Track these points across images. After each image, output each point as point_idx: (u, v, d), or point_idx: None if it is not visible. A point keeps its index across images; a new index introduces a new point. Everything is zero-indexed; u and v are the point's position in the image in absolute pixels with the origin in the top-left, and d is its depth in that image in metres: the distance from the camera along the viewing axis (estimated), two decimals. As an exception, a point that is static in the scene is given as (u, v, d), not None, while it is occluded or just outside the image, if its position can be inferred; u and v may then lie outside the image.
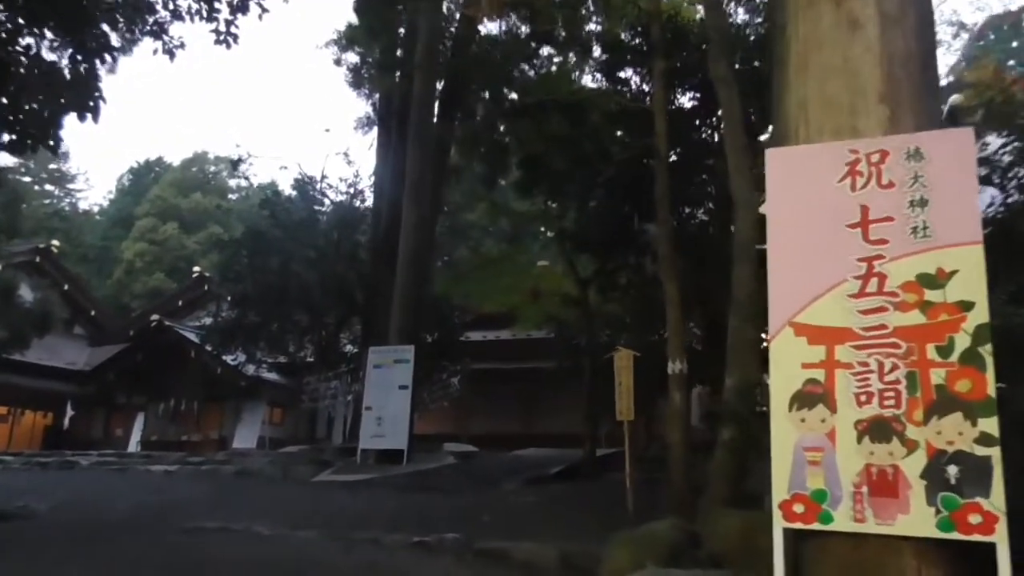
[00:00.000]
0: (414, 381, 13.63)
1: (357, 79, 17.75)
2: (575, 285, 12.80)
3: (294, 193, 18.61)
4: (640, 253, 11.98)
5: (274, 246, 17.42)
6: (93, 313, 34.17)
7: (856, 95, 3.66)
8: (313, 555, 5.05)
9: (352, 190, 18.63)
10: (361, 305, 17.63)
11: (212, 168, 56.37)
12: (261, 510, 7.39)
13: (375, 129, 18.27)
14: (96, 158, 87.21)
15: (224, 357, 19.60)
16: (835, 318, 3.37)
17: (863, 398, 3.24)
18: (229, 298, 18.49)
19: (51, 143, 6.68)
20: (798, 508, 3.25)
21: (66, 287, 32.61)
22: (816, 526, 3.21)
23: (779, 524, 3.27)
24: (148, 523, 6.69)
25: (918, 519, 3.03)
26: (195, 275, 33.36)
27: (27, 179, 55.17)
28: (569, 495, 9.20)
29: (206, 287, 32.31)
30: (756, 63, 10.30)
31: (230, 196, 55.53)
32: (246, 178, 57.04)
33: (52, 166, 56.31)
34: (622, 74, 12.09)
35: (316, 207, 18.38)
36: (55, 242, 33.05)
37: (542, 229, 14.77)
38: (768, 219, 3.70)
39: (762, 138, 9.05)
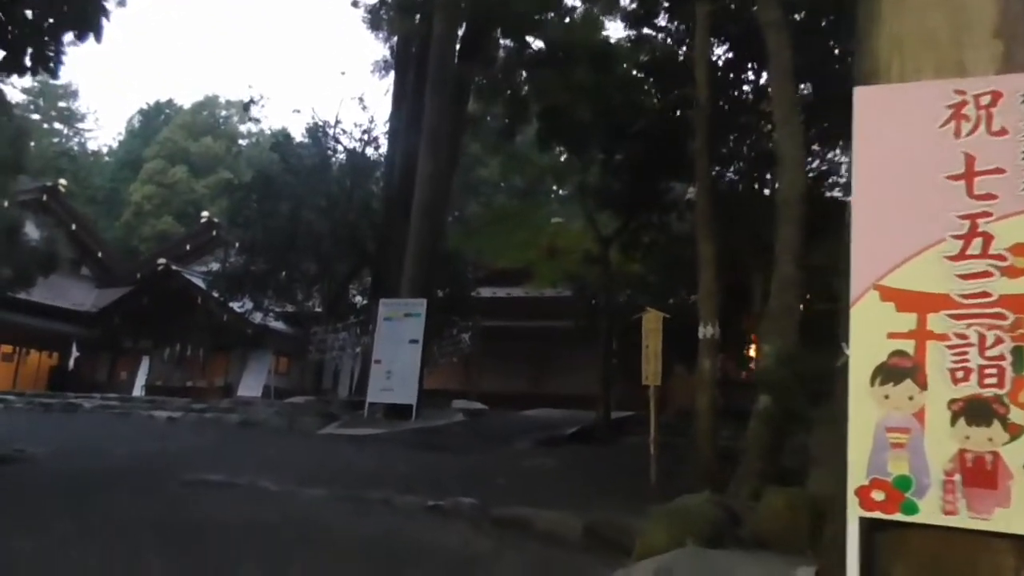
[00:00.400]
0: (425, 336, 13.30)
1: (375, 20, 17.04)
2: (596, 243, 12.34)
3: (306, 139, 18.04)
4: (666, 211, 11.52)
5: (285, 192, 16.96)
6: (100, 255, 33.93)
7: (963, 29, 3.18)
8: (324, 518, 4.73)
9: (367, 137, 18.11)
10: (372, 256, 17.23)
11: (223, 112, 55.62)
12: (266, 463, 7.09)
13: (392, 75, 17.66)
14: (106, 98, 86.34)
15: (231, 304, 19.30)
16: (929, 283, 2.93)
17: (959, 374, 2.82)
18: (237, 244, 18.09)
19: (51, 64, 6.20)
20: (877, 496, 2.85)
21: (73, 227, 32.32)
22: (898, 516, 2.82)
23: (855, 513, 2.88)
24: (147, 473, 6.41)
25: (1020, 513, 2.64)
26: (203, 220, 33.02)
27: (36, 116, 54.58)
28: (585, 459, 8.89)
29: (214, 232, 31.95)
30: (799, 14, 9.69)
31: (240, 141, 54.88)
32: (257, 121, 56.38)
33: (61, 104, 55.71)
34: (655, 22, 11.45)
35: (329, 154, 17.84)
36: (62, 181, 32.66)
37: (561, 184, 14.22)
38: (854, 168, 3.24)
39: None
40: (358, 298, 19.01)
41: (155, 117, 55.97)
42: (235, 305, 19.62)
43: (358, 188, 17.74)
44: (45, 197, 30.60)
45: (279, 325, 24.97)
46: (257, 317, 20.35)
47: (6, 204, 23.93)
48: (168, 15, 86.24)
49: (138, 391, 26.75)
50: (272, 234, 17.04)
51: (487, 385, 17.75)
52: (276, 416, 13.92)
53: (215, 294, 24.49)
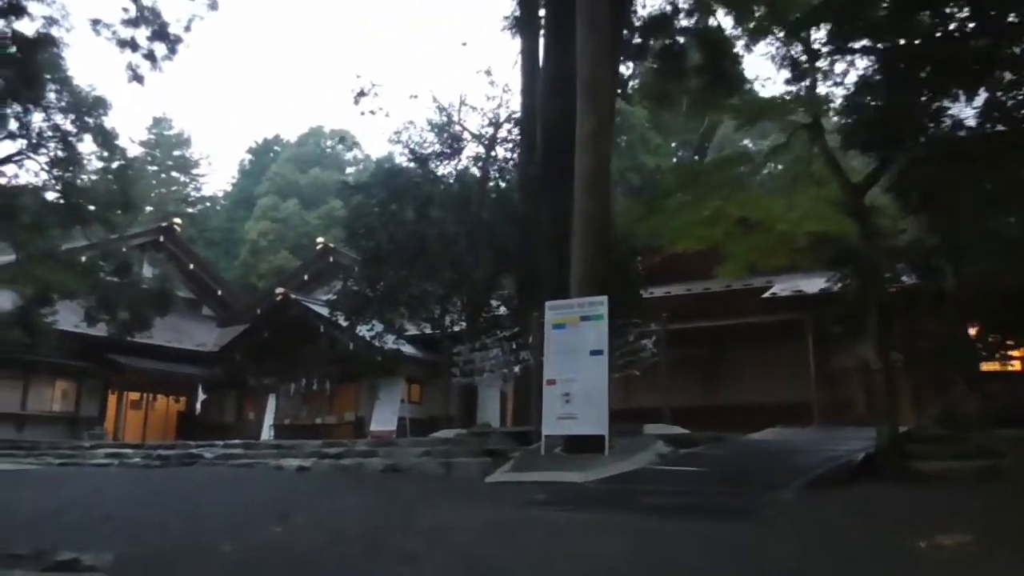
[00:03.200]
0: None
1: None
2: (846, 192, 8.90)
3: (428, 129, 15.32)
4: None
5: (409, 189, 14.35)
6: (220, 293, 32.84)
7: None
8: None
9: (497, 117, 15.26)
10: (514, 256, 14.36)
11: (328, 142, 55.06)
12: (442, 561, 4.16)
13: (519, 41, 14.82)
14: (218, 142, 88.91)
15: (357, 330, 16.84)
16: None
17: None
18: (360, 259, 15.60)
19: None
20: None
21: (191, 267, 31.31)
22: None
23: None
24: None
25: None
26: (319, 247, 31.31)
27: (153, 167, 55.67)
28: (948, 521, 5.45)
29: (331, 259, 30.19)
30: None
31: (348, 170, 54.07)
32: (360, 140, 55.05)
33: (176, 152, 56.61)
34: None
35: (456, 141, 15.10)
36: (177, 220, 31.76)
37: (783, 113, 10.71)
38: None
39: None
40: (501, 308, 16.13)
41: (264, 154, 56.06)
42: (362, 330, 17.13)
43: (490, 176, 14.96)
44: (161, 238, 29.65)
45: (410, 349, 22.55)
46: (388, 341, 17.82)
47: (117, 242, 22.68)
48: (267, 54, 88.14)
49: (266, 431, 24.92)
50: (399, 241, 14.43)
51: (676, 400, 14.32)
52: (426, 458, 11.13)
53: (338, 319, 22.34)
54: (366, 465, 10.97)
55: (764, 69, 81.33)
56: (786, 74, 11.51)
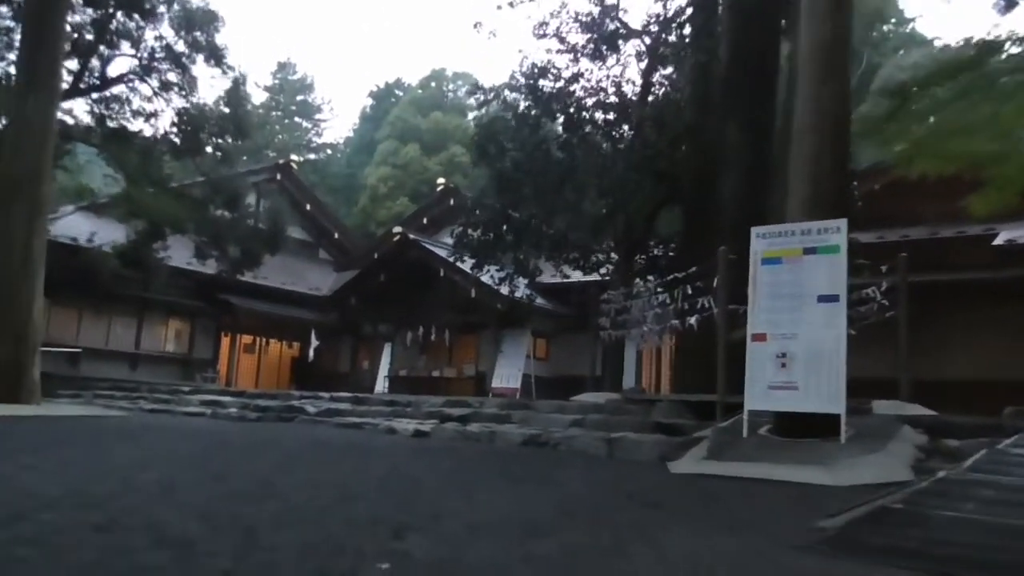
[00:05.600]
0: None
1: None
2: None
3: (578, 21, 12.29)
4: None
5: (557, 95, 11.60)
6: (337, 236, 31.42)
7: None
8: None
9: (663, 8, 12.14)
10: (683, 179, 11.45)
11: (450, 85, 52.93)
12: None
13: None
14: (341, 89, 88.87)
15: (485, 271, 14.40)
16: None
17: None
18: (490, 184, 13.06)
19: None
20: None
21: (308, 207, 29.94)
22: None
23: None
24: None
25: None
26: (440, 188, 29.22)
27: (277, 113, 55.37)
28: None
29: (452, 201, 28.01)
30: None
31: (470, 114, 51.85)
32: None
33: (299, 98, 56.07)
34: None
35: (611, 38, 12.10)
36: (294, 157, 30.50)
37: None
38: None
39: None
40: (655, 250, 13.25)
41: (386, 99, 54.60)
42: (490, 272, 14.69)
43: (656, 84, 12.02)
44: (278, 175, 28.33)
45: (538, 299, 20.10)
46: (516, 287, 15.33)
47: (230, 176, 21.25)
48: None
49: (381, 383, 23.24)
50: (540, 160, 11.77)
51: (919, 369, 11.08)
52: (578, 431, 8.57)
53: (460, 262, 20.11)
54: (500, 435, 8.52)
55: None
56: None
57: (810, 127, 7.59)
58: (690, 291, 9.54)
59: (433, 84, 51.91)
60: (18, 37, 14.80)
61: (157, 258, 19.90)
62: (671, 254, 12.54)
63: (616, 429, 8.45)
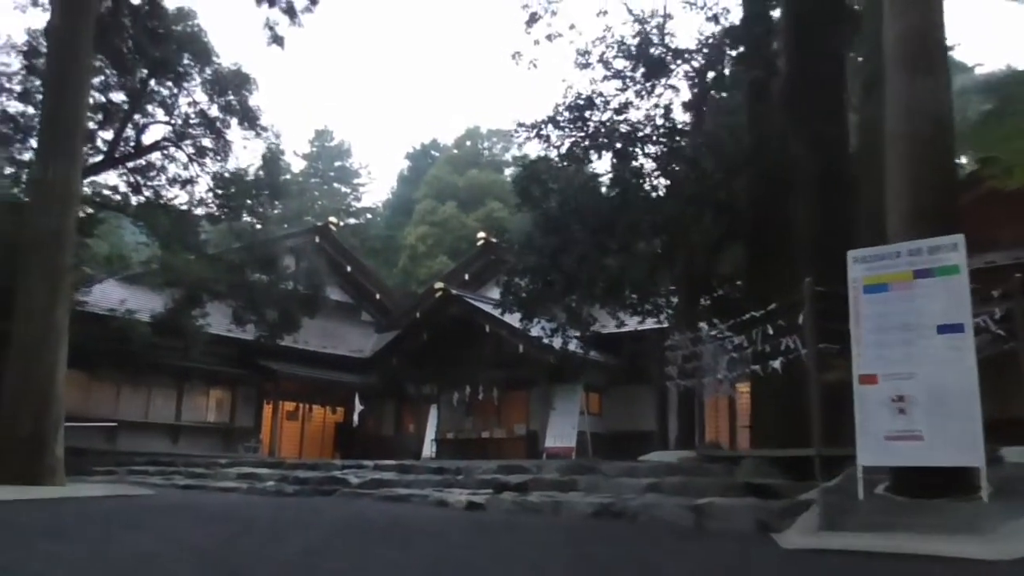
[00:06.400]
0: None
1: None
2: None
3: (621, 52, 11.47)
4: None
5: (604, 127, 10.74)
6: (378, 296, 30.84)
7: None
8: None
9: (712, 31, 11.27)
10: (742, 210, 10.45)
11: (485, 143, 52.99)
12: None
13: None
14: (377, 153, 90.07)
15: (534, 323, 13.43)
16: None
17: None
18: (534, 230, 12.19)
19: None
20: None
21: (348, 268, 29.49)
22: None
23: None
24: None
25: None
26: (479, 242, 28.55)
27: (315, 179, 55.92)
28: None
29: (492, 256, 27.32)
30: None
31: (506, 170, 51.69)
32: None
33: (337, 163, 56.63)
34: None
35: (657, 66, 11.24)
36: (332, 219, 30.16)
37: None
38: None
39: None
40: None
41: (422, 159, 54.88)
42: (537, 326, 13.71)
43: (708, 110, 11.13)
44: (317, 238, 27.95)
45: (589, 351, 19.02)
46: (567, 339, 14.30)
47: (268, 239, 20.83)
48: (418, 53, 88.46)
49: (428, 447, 22.18)
50: (587, 203, 10.89)
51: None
52: (657, 496, 7.44)
53: (505, 316, 19.19)
54: (566, 505, 7.43)
55: None
56: None
57: (905, 131, 6.57)
58: (771, 331, 8.43)
59: (468, 143, 52.02)
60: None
61: (195, 325, 19.39)
62: (737, 294, 11.46)
63: (699, 493, 7.30)
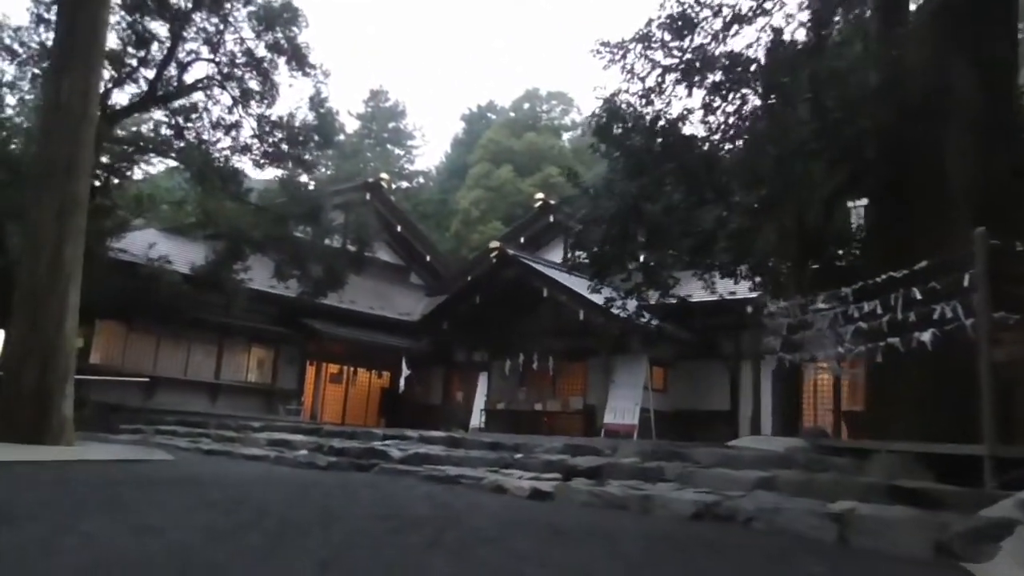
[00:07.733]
0: None
1: None
2: None
3: None
4: None
5: (699, 60, 9.01)
6: (429, 259, 29.59)
7: None
8: None
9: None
10: (874, 159, 8.65)
11: (544, 106, 51.08)
12: None
13: None
14: (433, 114, 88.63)
15: (600, 287, 11.87)
16: None
17: None
18: (613, 173, 10.58)
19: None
20: None
21: (399, 228, 28.24)
22: None
23: None
24: None
25: None
26: (538, 204, 26.99)
27: (369, 140, 54.80)
28: None
29: (551, 218, 25.77)
30: None
31: (564, 135, 49.81)
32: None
33: (391, 124, 55.38)
34: None
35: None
36: (384, 175, 28.92)
37: None
38: None
39: None
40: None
41: (478, 122, 53.28)
42: (604, 291, 12.15)
43: (831, 30, 9.31)
44: (368, 195, 26.72)
45: (656, 320, 17.40)
46: (632, 308, 12.70)
47: (316, 192, 19.61)
48: (479, 11, 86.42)
49: (477, 417, 20.91)
50: (677, 143, 9.20)
51: None
52: (772, 497, 5.85)
53: (569, 281, 17.65)
54: (656, 501, 5.90)
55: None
56: None
57: None
58: (918, 296, 6.70)
59: (527, 105, 50.20)
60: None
61: (237, 280, 18.35)
62: (852, 256, 9.69)
63: (827, 495, 5.69)
